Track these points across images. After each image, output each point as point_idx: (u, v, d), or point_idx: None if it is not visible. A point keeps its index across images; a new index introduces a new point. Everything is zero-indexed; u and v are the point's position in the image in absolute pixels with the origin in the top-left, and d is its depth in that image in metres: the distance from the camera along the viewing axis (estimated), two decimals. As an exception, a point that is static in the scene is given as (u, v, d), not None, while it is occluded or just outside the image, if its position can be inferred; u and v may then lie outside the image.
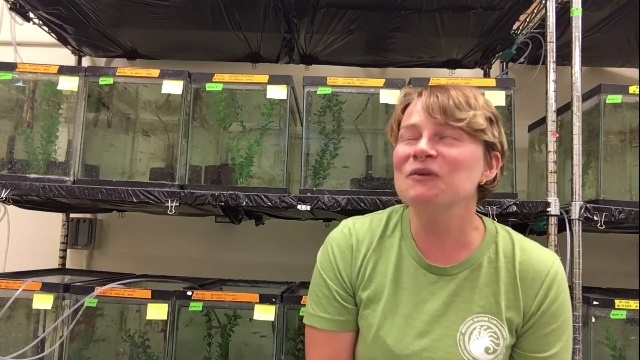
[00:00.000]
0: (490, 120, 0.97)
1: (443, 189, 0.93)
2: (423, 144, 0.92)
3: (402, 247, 1.05)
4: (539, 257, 1.02)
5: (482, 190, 1.03)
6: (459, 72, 2.37)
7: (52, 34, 2.24)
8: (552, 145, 1.62)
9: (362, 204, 1.59)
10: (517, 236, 1.06)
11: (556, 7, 1.70)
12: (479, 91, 0.99)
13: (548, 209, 1.59)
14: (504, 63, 2.26)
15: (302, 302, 1.58)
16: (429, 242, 1.03)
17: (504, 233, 1.05)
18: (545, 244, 1.60)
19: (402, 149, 0.98)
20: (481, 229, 1.05)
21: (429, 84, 1.02)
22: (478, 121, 0.93)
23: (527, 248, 1.03)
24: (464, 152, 0.93)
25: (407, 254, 1.04)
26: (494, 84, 1.68)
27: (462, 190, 0.95)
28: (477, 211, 1.15)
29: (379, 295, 1.03)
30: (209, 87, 1.72)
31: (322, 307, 1.05)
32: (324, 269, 1.07)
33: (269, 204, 1.61)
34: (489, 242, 1.03)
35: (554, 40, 1.67)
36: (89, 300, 1.58)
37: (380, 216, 1.11)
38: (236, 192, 1.61)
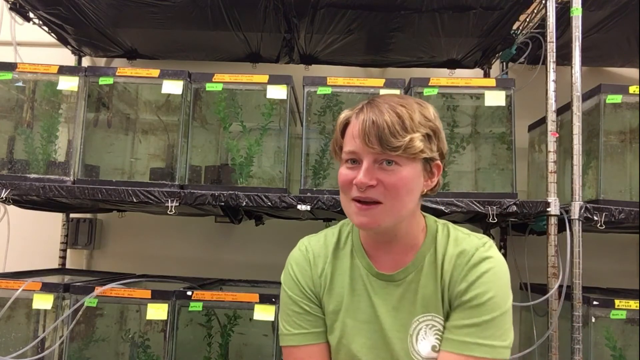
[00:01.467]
0: (428, 137, 0.96)
1: (385, 216, 0.95)
2: (362, 176, 0.94)
3: (354, 257, 1.09)
4: (469, 243, 1.03)
5: (425, 195, 1.04)
6: (459, 72, 2.37)
7: (52, 34, 2.24)
8: (552, 145, 1.62)
9: (362, 204, 1.58)
10: (454, 231, 1.07)
11: (556, 7, 1.70)
12: (414, 104, 0.98)
13: (548, 209, 1.59)
14: (504, 63, 2.26)
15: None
16: (378, 250, 1.07)
17: (443, 230, 1.07)
18: (545, 244, 1.60)
19: (344, 172, 0.99)
20: (425, 228, 1.08)
21: (371, 101, 0.98)
22: (415, 145, 0.93)
23: (460, 239, 1.04)
24: (403, 177, 0.94)
25: (358, 263, 1.08)
26: (494, 84, 1.68)
27: (405, 211, 0.98)
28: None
29: (339, 305, 1.06)
30: (209, 87, 1.72)
31: (296, 324, 1.08)
32: (289, 287, 1.10)
33: (269, 204, 1.61)
34: (429, 242, 1.05)
35: (554, 40, 1.67)
36: (89, 300, 1.57)
37: (333, 231, 1.15)
38: (236, 192, 1.61)
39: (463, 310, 0.97)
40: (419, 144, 0.94)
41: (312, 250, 1.11)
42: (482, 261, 0.99)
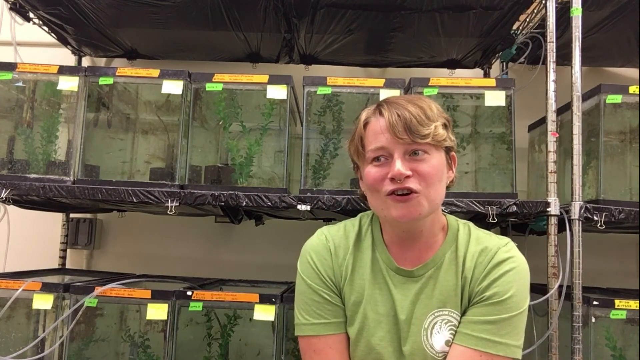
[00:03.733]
0: (445, 126, 1.01)
1: (424, 205, 0.97)
2: (399, 166, 0.96)
3: (375, 251, 1.09)
4: (491, 242, 1.05)
5: (446, 188, 1.07)
6: (459, 72, 2.37)
7: (52, 34, 2.24)
8: (552, 145, 1.62)
9: (362, 204, 1.59)
10: (475, 230, 1.09)
11: (556, 7, 1.70)
12: (426, 99, 1.03)
13: (548, 209, 1.59)
14: (504, 63, 2.26)
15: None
16: (401, 247, 1.07)
17: (464, 229, 1.09)
18: (545, 244, 1.60)
19: (374, 170, 1.00)
20: (446, 227, 1.09)
21: (387, 101, 1.03)
22: (440, 132, 0.98)
23: (481, 237, 1.06)
24: (434, 165, 0.98)
25: (378, 256, 1.08)
26: (494, 84, 1.68)
27: (439, 199, 1.01)
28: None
29: (360, 297, 1.07)
30: (209, 87, 1.72)
31: (316, 314, 1.07)
32: (308, 276, 1.09)
33: (269, 204, 1.61)
34: (450, 240, 1.07)
35: (554, 40, 1.67)
36: (89, 300, 1.57)
37: (352, 222, 1.15)
38: (236, 192, 1.61)
39: (482, 306, 0.99)
40: (442, 131, 0.99)
41: (332, 240, 1.11)
42: (505, 260, 1.01)
